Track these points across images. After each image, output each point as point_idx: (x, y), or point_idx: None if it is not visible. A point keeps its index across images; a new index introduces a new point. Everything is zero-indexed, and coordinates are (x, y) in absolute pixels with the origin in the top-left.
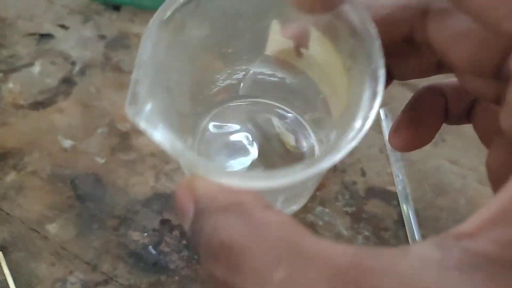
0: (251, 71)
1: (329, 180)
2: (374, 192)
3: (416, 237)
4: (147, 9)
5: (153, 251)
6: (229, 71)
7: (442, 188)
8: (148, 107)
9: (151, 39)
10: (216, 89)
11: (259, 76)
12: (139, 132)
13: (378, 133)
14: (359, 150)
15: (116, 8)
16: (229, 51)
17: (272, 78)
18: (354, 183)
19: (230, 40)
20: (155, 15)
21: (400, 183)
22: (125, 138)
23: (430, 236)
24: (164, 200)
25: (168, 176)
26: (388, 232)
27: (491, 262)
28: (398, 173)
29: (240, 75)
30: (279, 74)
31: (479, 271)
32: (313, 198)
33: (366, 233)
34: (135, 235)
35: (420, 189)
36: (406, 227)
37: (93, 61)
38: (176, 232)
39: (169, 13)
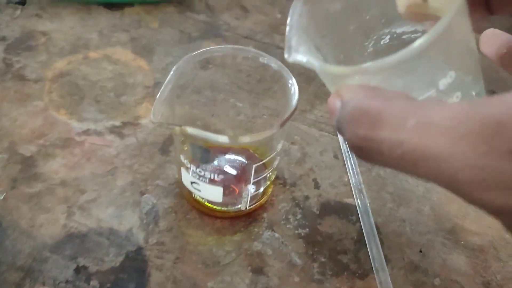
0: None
1: (277, 198)
2: (329, 208)
3: (380, 258)
4: (59, 2)
5: None
6: (375, 37)
7: (403, 196)
8: (302, 49)
9: (297, 11)
10: (366, 54)
11: (404, 36)
12: (47, 156)
13: (331, 134)
14: (311, 158)
15: (22, 2)
16: (367, 18)
17: (415, 35)
18: (307, 198)
19: (363, 9)
20: None
21: (359, 194)
22: (29, 165)
23: (394, 256)
24: (78, 242)
25: (84, 210)
26: (347, 255)
27: None
28: (356, 182)
29: (387, 39)
30: (420, 28)
31: None
32: (259, 221)
33: (322, 259)
34: None
35: (380, 199)
36: (368, 247)
37: None
38: (94, 282)
39: None
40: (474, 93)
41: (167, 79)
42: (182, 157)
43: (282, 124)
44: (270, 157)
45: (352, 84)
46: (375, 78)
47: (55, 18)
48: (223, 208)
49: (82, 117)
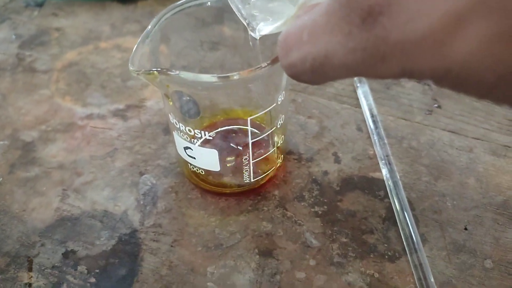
0: None
1: (291, 174)
2: (352, 183)
3: (414, 238)
4: (75, 0)
5: None
6: None
7: (442, 169)
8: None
9: None
10: None
11: None
12: (47, 141)
13: (354, 106)
14: (330, 131)
15: (39, 4)
16: None
17: None
18: (325, 173)
19: None
20: None
21: (387, 167)
22: (28, 150)
23: (432, 235)
24: (70, 226)
25: (79, 193)
26: (373, 235)
27: None
28: (384, 154)
29: None
30: None
31: None
32: (269, 199)
33: (344, 239)
34: (26, 278)
35: (413, 172)
36: (399, 226)
37: (2, 63)
38: (82, 268)
39: None
40: None
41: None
42: (171, 117)
43: (274, 62)
44: (268, 109)
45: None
46: None
47: (70, 15)
48: (224, 180)
49: (87, 103)
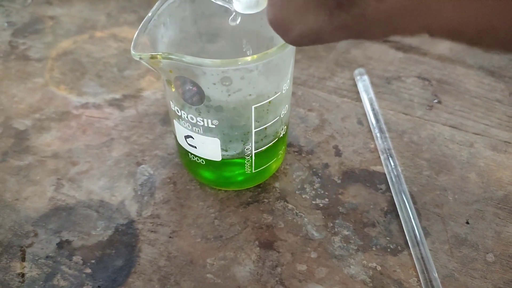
0: None
1: (291, 167)
2: (353, 176)
3: (416, 231)
4: None
5: None
6: None
7: (443, 163)
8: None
9: None
10: None
11: None
12: (41, 129)
13: (354, 100)
14: (331, 124)
15: None
16: None
17: None
18: (326, 166)
19: None
20: None
21: (388, 161)
22: (21, 139)
23: (434, 229)
24: (65, 216)
25: (74, 182)
26: (375, 228)
27: None
28: (385, 147)
29: None
30: None
31: None
32: (269, 191)
33: (345, 232)
34: (19, 268)
35: (414, 166)
36: (401, 219)
37: None
38: (77, 258)
39: None
40: None
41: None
42: (172, 105)
43: (281, 48)
44: (272, 98)
45: None
46: None
47: (65, 4)
48: (225, 170)
49: (82, 92)
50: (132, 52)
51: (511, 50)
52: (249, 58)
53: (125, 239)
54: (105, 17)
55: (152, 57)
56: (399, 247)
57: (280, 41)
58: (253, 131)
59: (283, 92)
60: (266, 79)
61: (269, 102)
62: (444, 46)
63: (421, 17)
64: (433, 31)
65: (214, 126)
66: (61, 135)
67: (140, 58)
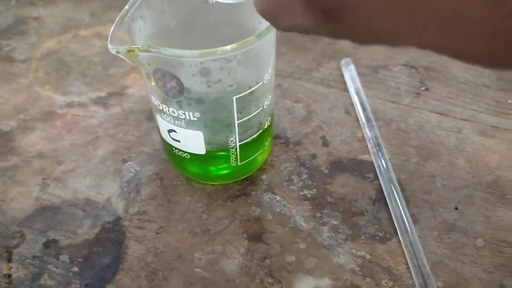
0: None
1: (278, 158)
2: (341, 166)
3: (404, 218)
4: None
5: None
6: None
7: (431, 150)
8: None
9: None
10: None
11: None
12: (26, 130)
13: (341, 90)
14: (318, 115)
15: None
16: None
17: None
18: (313, 156)
19: None
20: None
21: (376, 149)
22: (6, 140)
23: (423, 215)
24: (51, 215)
25: (59, 182)
26: (364, 217)
27: None
28: (372, 136)
29: None
30: None
31: None
32: (257, 183)
33: (334, 222)
34: (6, 269)
35: (402, 154)
36: (390, 207)
37: None
38: (64, 257)
39: None
40: None
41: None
42: (153, 99)
43: (261, 36)
44: (253, 88)
45: None
46: None
47: (49, 4)
48: (211, 164)
49: (67, 91)
50: (109, 46)
51: (491, 67)
52: (228, 47)
53: (112, 237)
54: (89, 16)
55: (129, 50)
56: (388, 235)
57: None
58: (236, 122)
59: (265, 82)
60: (246, 69)
61: (251, 92)
62: None
63: (407, 37)
64: (417, 46)
65: (196, 119)
66: (46, 135)
67: (117, 52)
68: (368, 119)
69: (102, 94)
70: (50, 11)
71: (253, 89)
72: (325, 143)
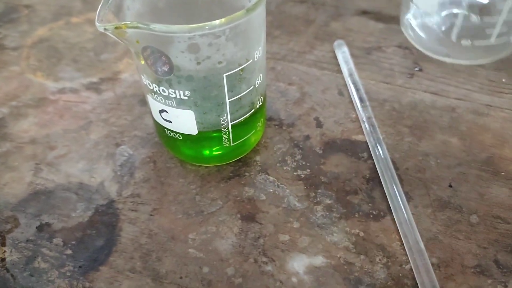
0: None
1: (272, 140)
2: (335, 146)
3: (398, 195)
4: None
5: (24, 272)
6: None
7: (425, 129)
8: None
9: None
10: None
11: None
12: (18, 116)
13: (334, 72)
14: (311, 97)
15: None
16: None
17: None
18: (307, 137)
19: None
20: None
21: (370, 129)
22: None
23: (417, 193)
24: (44, 199)
25: (52, 166)
26: (358, 195)
27: None
28: (366, 116)
29: None
30: None
31: None
32: (250, 165)
33: (328, 201)
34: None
35: (396, 133)
36: (384, 185)
37: None
38: (57, 240)
39: None
40: None
41: None
42: (144, 79)
43: (250, 10)
44: (243, 66)
45: None
46: None
47: None
48: (203, 145)
49: (59, 77)
50: (96, 23)
51: None
52: (217, 22)
53: (106, 219)
54: (81, 2)
55: (117, 27)
56: (381, 212)
57: None
58: (227, 101)
59: (255, 60)
60: (235, 46)
61: (241, 70)
62: None
63: None
64: None
65: (186, 98)
66: (38, 121)
67: (105, 29)
68: (361, 100)
69: (94, 79)
70: None
71: (243, 66)
72: (319, 124)
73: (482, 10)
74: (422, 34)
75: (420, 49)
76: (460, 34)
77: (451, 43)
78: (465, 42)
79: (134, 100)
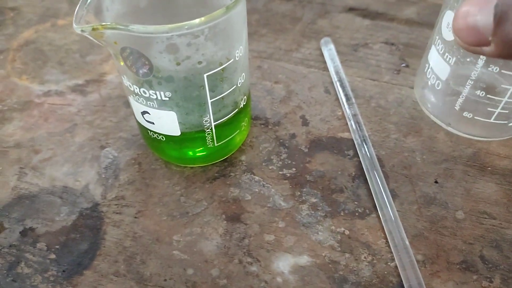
0: None
1: (257, 139)
2: (321, 144)
3: (383, 193)
4: None
5: (6, 278)
6: None
7: (411, 125)
8: None
9: None
10: None
11: None
12: (3, 120)
13: (321, 70)
14: (298, 95)
15: None
16: None
17: None
18: (293, 136)
19: None
20: None
21: (355, 126)
22: None
23: (402, 190)
24: (28, 204)
25: (37, 170)
26: (343, 194)
27: None
28: (352, 114)
29: None
30: None
31: None
32: (236, 165)
33: (313, 200)
34: None
35: (382, 130)
36: (369, 182)
37: None
38: (41, 244)
39: None
40: None
41: None
42: (125, 80)
43: (230, 8)
44: (224, 65)
45: None
46: None
47: None
48: (187, 146)
49: (44, 80)
50: (74, 25)
51: None
52: (196, 21)
53: (90, 223)
54: (67, 4)
55: (94, 29)
56: (367, 210)
57: None
58: (209, 101)
59: (237, 59)
60: (215, 45)
61: (222, 70)
62: (411, 10)
63: None
64: None
65: (167, 99)
66: (23, 124)
67: (82, 31)
68: (347, 97)
69: (80, 81)
70: (28, 1)
71: (224, 66)
72: (305, 123)
73: (488, 89)
74: (432, 96)
75: (427, 113)
76: (463, 106)
77: (454, 111)
78: (467, 114)
79: (119, 102)
